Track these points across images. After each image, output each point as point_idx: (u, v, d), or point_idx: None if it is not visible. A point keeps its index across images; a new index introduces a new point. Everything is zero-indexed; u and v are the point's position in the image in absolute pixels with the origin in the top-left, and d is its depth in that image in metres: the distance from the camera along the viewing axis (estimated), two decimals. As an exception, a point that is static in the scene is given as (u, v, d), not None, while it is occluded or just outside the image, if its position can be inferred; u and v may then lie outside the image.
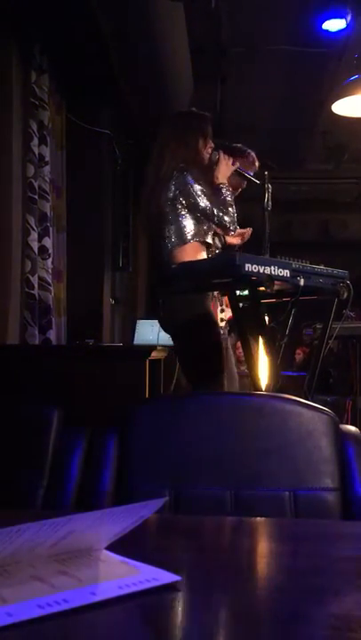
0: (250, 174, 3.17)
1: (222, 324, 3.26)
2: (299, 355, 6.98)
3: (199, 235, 2.94)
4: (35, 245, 3.75)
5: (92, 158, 4.87)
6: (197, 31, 4.24)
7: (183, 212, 2.92)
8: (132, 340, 5.28)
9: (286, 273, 2.48)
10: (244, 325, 2.79)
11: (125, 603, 0.60)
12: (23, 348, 3.61)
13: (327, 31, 4.14)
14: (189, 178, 2.90)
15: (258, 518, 1.03)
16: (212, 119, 3.14)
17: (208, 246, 3.04)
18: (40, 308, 3.80)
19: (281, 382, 2.66)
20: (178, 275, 2.89)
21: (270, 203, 2.94)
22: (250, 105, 5.51)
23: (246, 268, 2.39)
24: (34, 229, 3.74)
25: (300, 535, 0.93)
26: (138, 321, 5.49)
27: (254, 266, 2.41)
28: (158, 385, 3.69)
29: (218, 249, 3.28)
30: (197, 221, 2.94)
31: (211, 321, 2.93)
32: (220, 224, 2.93)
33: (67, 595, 0.59)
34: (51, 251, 3.91)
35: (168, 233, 2.94)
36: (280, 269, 2.46)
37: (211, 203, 2.91)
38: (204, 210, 2.91)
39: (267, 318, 2.88)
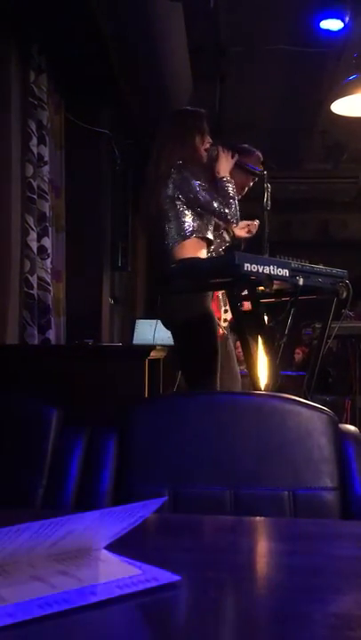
0: (255, 168, 3.18)
1: (224, 325, 3.26)
2: (298, 354, 6.99)
3: (199, 231, 2.95)
4: (34, 245, 3.74)
5: (91, 158, 4.87)
6: (196, 31, 4.24)
7: (183, 209, 2.93)
8: (132, 339, 5.28)
9: (285, 272, 2.48)
10: (244, 325, 2.79)
11: (125, 602, 0.60)
12: (22, 347, 3.61)
13: (326, 31, 4.14)
14: (188, 174, 2.91)
15: (257, 518, 1.03)
16: (208, 115, 3.15)
17: (209, 243, 3.04)
18: (39, 308, 3.80)
19: (280, 382, 2.66)
20: (177, 274, 2.89)
21: (270, 202, 2.95)
22: (249, 104, 5.51)
23: (245, 268, 2.40)
24: (33, 229, 3.74)
25: (300, 534, 0.93)
26: (137, 320, 5.49)
27: (253, 265, 2.41)
28: (157, 384, 3.69)
29: (227, 242, 3.28)
30: (198, 217, 2.94)
31: (209, 321, 2.93)
32: (222, 217, 2.94)
33: (66, 594, 0.59)
34: (50, 250, 3.91)
35: (168, 231, 2.94)
36: (279, 269, 2.46)
37: (211, 196, 2.91)
38: (203, 204, 2.91)
39: (266, 318, 2.87)
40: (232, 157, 3.06)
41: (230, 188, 2.97)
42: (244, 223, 3.23)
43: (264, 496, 1.19)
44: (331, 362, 4.69)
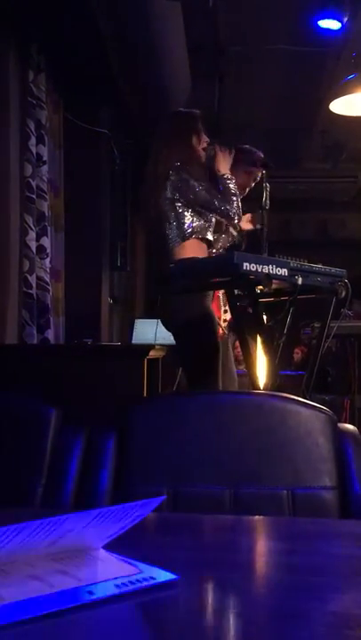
0: (256, 163, 3.19)
1: (224, 325, 3.26)
2: (297, 354, 6.99)
3: (199, 231, 2.95)
4: (33, 245, 3.74)
5: (91, 158, 4.87)
6: (195, 30, 4.24)
7: (182, 210, 2.93)
8: (131, 339, 5.28)
9: (284, 272, 2.48)
10: (243, 324, 2.79)
11: (123, 601, 0.60)
12: (21, 347, 3.61)
13: (325, 30, 4.14)
14: (186, 175, 2.92)
15: (256, 517, 1.03)
16: (203, 115, 3.16)
17: (209, 244, 3.05)
18: (38, 308, 3.80)
19: (279, 381, 2.66)
20: (177, 273, 2.89)
21: (268, 202, 2.95)
22: (248, 104, 5.51)
23: (244, 267, 2.40)
24: (32, 229, 3.74)
25: (299, 533, 0.93)
26: (136, 320, 5.49)
27: (252, 265, 2.41)
28: (156, 384, 3.69)
29: (234, 237, 3.28)
30: (198, 217, 2.95)
31: (209, 321, 2.93)
32: (223, 214, 2.94)
33: (65, 594, 0.59)
34: (49, 250, 3.91)
35: (168, 232, 2.95)
36: (278, 268, 2.46)
37: (211, 195, 2.91)
38: (203, 203, 2.92)
39: (265, 317, 2.87)
40: (230, 154, 3.06)
41: (232, 185, 2.97)
42: (248, 216, 3.24)
43: (263, 495, 1.19)
44: (330, 361, 4.68)
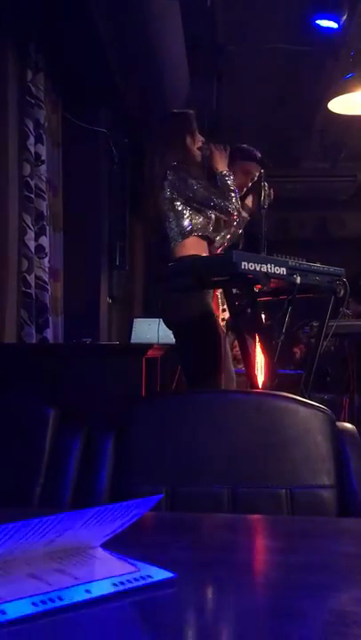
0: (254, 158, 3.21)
1: (222, 324, 3.27)
2: (296, 353, 6.98)
3: (199, 229, 2.97)
4: (31, 244, 3.74)
5: (89, 157, 4.86)
6: (193, 29, 4.24)
7: (182, 209, 2.95)
8: (130, 338, 5.28)
9: (283, 271, 2.48)
10: (241, 323, 2.79)
11: (121, 600, 0.60)
12: (20, 347, 3.61)
13: (323, 29, 4.14)
14: (184, 174, 2.94)
15: (254, 515, 1.03)
16: (196, 115, 3.18)
17: (209, 241, 3.07)
18: (37, 307, 3.80)
19: (278, 380, 2.66)
20: (175, 272, 2.90)
21: (267, 201, 2.95)
22: (246, 103, 5.51)
23: (243, 266, 2.40)
24: (30, 228, 3.74)
25: (297, 532, 0.93)
26: (135, 319, 5.49)
27: (251, 264, 2.41)
28: (155, 383, 3.69)
29: (243, 218, 3.27)
30: (197, 214, 2.97)
31: (211, 318, 2.94)
32: (223, 210, 2.96)
33: (62, 592, 0.59)
34: (47, 250, 3.91)
35: (169, 230, 2.97)
36: (277, 267, 2.47)
37: (208, 192, 2.94)
38: (201, 199, 2.94)
39: (263, 316, 2.87)
40: (225, 151, 3.09)
41: (229, 181, 2.99)
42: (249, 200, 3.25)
43: (262, 494, 1.19)
44: (329, 360, 4.69)
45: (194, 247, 2.96)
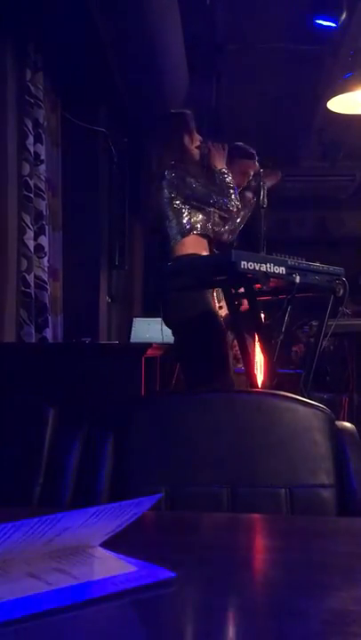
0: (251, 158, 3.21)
1: None
2: (295, 352, 6.98)
3: (199, 227, 2.98)
4: (31, 244, 3.74)
5: (88, 156, 4.86)
6: (193, 28, 4.24)
7: (181, 207, 2.96)
8: (129, 337, 5.27)
9: (282, 270, 2.48)
10: (241, 323, 2.79)
11: (120, 599, 0.60)
12: (19, 346, 3.60)
13: (322, 28, 4.14)
14: (182, 173, 2.96)
15: (254, 515, 1.03)
16: (192, 115, 3.19)
17: (209, 240, 3.07)
18: (36, 307, 3.80)
19: (277, 380, 2.66)
20: (174, 271, 2.90)
21: (266, 200, 2.96)
22: (245, 102, 5.50)
23: (242, 266, 2.40)
24: (30, 228, 3.73)
25: (296, 531, 0.93)
26: (134, 319, 5.49)
27: (250, 263, 2.41)
28: (155, 383, 3.69)
29: (244, 215, 3.26)
30: (197, 212, 2.98)
31: (214, 317, 2.94)
32: (222, 208, 2.97)
33: (62, 591, 0.59)
34: (47, 249, 3.91)
35: (169, 230, 2.98)
36: (276, 267, 2.47)
37: (207, 189, 2.95)
38: (200, 198, 2.95)
39: (263, 315, 2.87)
40: (223, 149, 3.10)
41: (228, 179, 3.01)
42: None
43: (261, 493, 1.19)
44: (328, 359, 4.68)
45: (194, 245, 2.97)
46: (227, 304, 3.07)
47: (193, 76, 4.75)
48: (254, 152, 3.34)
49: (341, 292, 2.62)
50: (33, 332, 3.74)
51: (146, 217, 3.15)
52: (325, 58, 4.70)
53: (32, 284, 3.74)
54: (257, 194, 3.09)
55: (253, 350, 3.06)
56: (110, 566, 0.66)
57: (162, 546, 0.80)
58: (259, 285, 2.52)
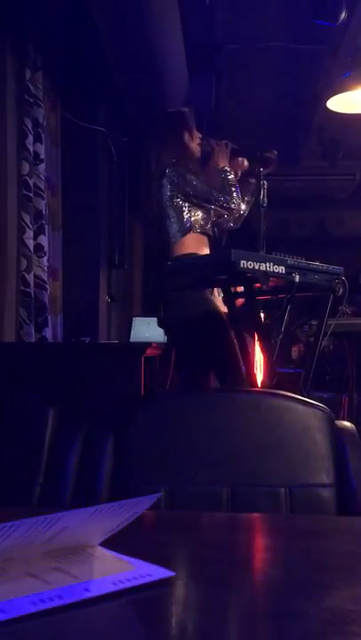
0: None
1: None
2: (295, 352, 6.98)
3: (199, 225, 2.98)
4: (30, 243, 3.74)
5: (88, 156, 4.86)
6: (192, 28, 4.23)
7: (181, 205, 2.96)
8: (129, 337, 5.27)
9: (282, 269, 2.48)
10: (240, 322, 2.79)
11: (120, 599, 0.60)
12: (19, 346, 3.60)
13: (322, 27, 4.13)
14: (183, 171, 2.96)
15: (253, 514, 1.03)
16: (191, 113, 3.20)
17: (209, 237, 3.08)
18: (36, 307, 3.80)
19: (277, 379, 2.66)
20: (174, 271, 2.90)
21: (266, 199, 2.96)
22: (245, 101, 5.50)
23: (242, 265, 2.40)
24: (29, 227, 3.73)
25: (296, 531, 0.93)
26: (134, 318, 5.48)
27: (250, 262, 2.41)
28: (154, 382, 3.69)
29: (241, 214, 3.25)
30: (198, 211, 2.98)
31: (219, 314, 2.93)
32: (223, 206, 2.97)
33: (61, 591, 0.59)
34: (46, 249, 3.91)
35: (169, 229, 2.98)
36: (275, 266, 2.47)
37: (208, 187, 2.95)
38: (201, 195, 2.96)
39: (262, 315, 2.87)
40: (226, 147, 3.11)
41: (230, 177, 3.02)
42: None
43: (261, 493, 1.19)
44: (328, 359, 4.68)
45: (194, 244, 2.98)
46: (226, 304, 3.07)
47: (193, 75, 4.74)
48: (238, 147, 3.33)
49: (341, 291, 2.62)
50: (32, 331, 3.74)
51: (146, 216, 3.14)
52: (325, 57, 4.70)
53: (32, 283, 3.74)
54: (257, 193, 3.09)
55: (253, 350, 3.05)
56: (110, 566, 0.66)
57: (161, 545, 0.80)
58: (258, 285, 2.52)
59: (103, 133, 4.97)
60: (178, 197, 2.96)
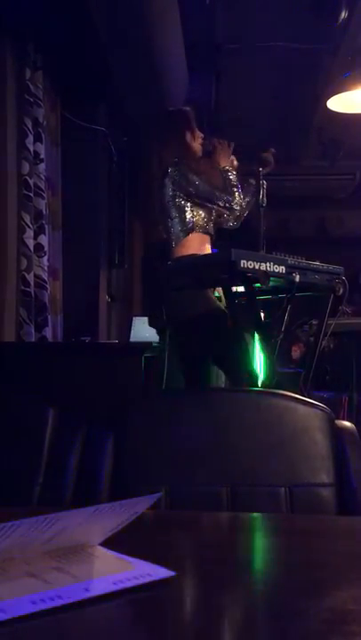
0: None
1: None
2: (295, 352, 6.98)
3: (201, 226, 2.98)
4: (30, 243, 3.74)
5: (88, 155, 4.86)
6: (192, 27, 4.23)
7: (183, 205, 2.96)
8: (129, 337, 5.27)
9: (282, 269, 2.48)
10: (240, 321, 2.79)
11: (119, 598, 0.60)
12: (19, 345, 3.60)
13: (322, 26, 4.13)
14: (185, 170, 2.95)
15: (253, 514, 1.03)
16: (193, 112, 3.19)
17: (211, 237, 3.08)
18: (36, 306, 3.80)
19: (277, 379, 2.66)
20: (174, 271, 2.90)
21: (265, 199, 2.96)
22: (245, 101, 5.50)
23: (242, 265, 2.40)
24: (29, 227, 3.73)
25: (296, 530, 0.93)
26: (134, 318, 5.48)
27: (250, 262, 2.41)
28: (154, 382, 3.68)
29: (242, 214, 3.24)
30: (200, 211, 2.97)
31: (223, 312, 2.93)
32: (225, 206, 2.97)
33: (61, 591, 0.59)
34: (46, 248, 3.91)
35: (172, 229, 2.98)
36: (276, 266, 2.47)
37: (211, 187, 2.95)
38: (204, 195, 2.95)
39: (262, 314, 2.87)
40: (228, 147, 3.10)
41: (232, 177, 3.01)
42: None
43: (261, 492, 1.19)
44: (328, 359, 4.68)
45: (196, 244, 2.98)
46: (227, 303, 3.07)
47: (192, 74, 4.74)
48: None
49: (341, 290, 2.62)
50: (33, 331, 3.74)
51: (146, 216, 3.14)
52: (325, 57, 4.70)
53: (32, 283, 3.74)
54: (256, 193, 3.09)
55: (253, 349, 3.05)
56: (109, 565, 0.66)
57: (161, 545, 0.80)
58: (259, 284, 2.52)
59: (103, 133, 4.97)
60: (180, 197, 2.96)
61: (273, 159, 3.17)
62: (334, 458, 1.22)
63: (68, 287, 4.41)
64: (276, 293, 2.68)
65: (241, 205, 3.02)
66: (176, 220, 2.97)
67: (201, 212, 2.99)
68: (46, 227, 3.93)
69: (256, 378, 2.70)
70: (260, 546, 0.89)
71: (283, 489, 1.19)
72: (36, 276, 3.79)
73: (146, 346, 3.36)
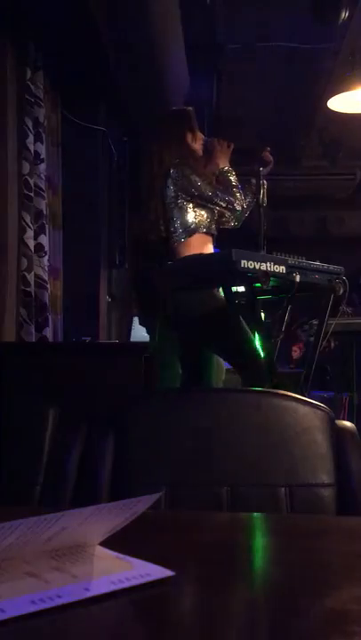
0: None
1: None
2: (295, 352, 6.98)
3: (204, 226, 2.98)
4: (31, 243, 3.74)
5: (88, 155, 4.86)
6: (193, 27, 4.24)
7: (185, 206, 2.96)
8: (129, 336, 5.27)
9: (282, 269, 2.49)
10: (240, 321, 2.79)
11: (119, 598, 0.60)
12: (19, 345, 3.60)
13: (323, 26, 4.13)
14: (187, 171, 2.95)
15: (253, 513, 1.03)
16: (194, 113, 3.19)
17: (213, 237, 3.08)
18: (36, 306, 3.79)
19: (277, 378, 2.66)
20: (175, 271, 2.90)
21: (266, 199, 2.96)
22: (246, 101, 5.51)
23: (242, 265, 2.40)
24: (30, 227, 3.73)
25: (296, 530, 0.93)
26: (134, 318, 5.48)
27: (250, 262, 2.41)
28: (154, 381, 3.68)
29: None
30: (202, 212, 2.97)
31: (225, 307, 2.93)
32: (227, 206, 2.97)
33: (60, 590, 0.59)
34: (47, 248, 3.90)
35: (173, 229, 2.98)
36: (276, 265, 2.47)
37: (213, 188, 2.95)
38: (205, 196, 2.95)
39: (263, 314, 2.87)
40: (228, 147, 3.10)
41: (233, 177, 3.01)
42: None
43: (261, 492, 1.19)
44: (329, 358, 4.69)
45: (199, 244, 2.98)
46: (227, 302, 3.07)
47: (193, 75, 4.75)
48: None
49: (341, 290, 2.62)
50: (33, 331, 3.74)
51: (147, 216, 3.13)
52: (325, 57, 4.70)
53: (32, 283, 3.74)
54: (257, 193, 3.09)
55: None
56: (109, 565, 0.66)
57: (161, 545, 0.80)
58: (259, 284, 2.52)
59: (104, 133, 4.97)
60: (182, 198, 2.96)
61: (271, 157, 3.17)
62: (334, 458, 1.22)
63: (68, 287, 4.41)
64: (277, 293, 2.68)
65: (242, 206, 3.02)
66: (178, 221, 2.97)
67: (203, 213, 2.99)
68: (47, 227, 3.92)
69: (260, 356, 2.69)
70: (260, 546, 0.89)
71: (283, 489, 1.19)
72: (36, 275, 3.79)
73: (146, 346, 3.36)
